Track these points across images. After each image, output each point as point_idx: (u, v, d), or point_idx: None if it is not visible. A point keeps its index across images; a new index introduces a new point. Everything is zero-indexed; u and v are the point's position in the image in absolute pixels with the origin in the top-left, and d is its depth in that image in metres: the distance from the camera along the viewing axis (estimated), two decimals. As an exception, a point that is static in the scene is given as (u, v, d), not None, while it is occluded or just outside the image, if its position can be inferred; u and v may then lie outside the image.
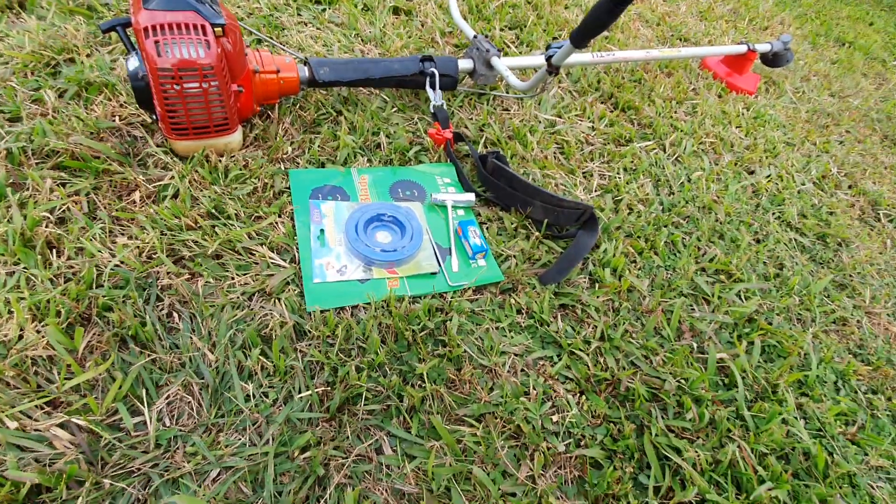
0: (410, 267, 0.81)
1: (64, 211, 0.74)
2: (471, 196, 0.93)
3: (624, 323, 0.85)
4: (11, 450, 0.54)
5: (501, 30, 1.42)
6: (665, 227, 1.04)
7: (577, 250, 0.89)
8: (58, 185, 0.76)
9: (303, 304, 0.73)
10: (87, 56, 0.95)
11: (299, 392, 0.65)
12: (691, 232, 1.05)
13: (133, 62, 0.78)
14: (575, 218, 0.93)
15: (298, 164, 0.91)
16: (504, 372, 0.74)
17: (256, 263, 0.76)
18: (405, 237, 0.83)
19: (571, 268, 0.88)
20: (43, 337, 0.61)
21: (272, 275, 0.74)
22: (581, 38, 0.80)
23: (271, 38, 1.12)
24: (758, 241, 1.09)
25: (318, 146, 0.94)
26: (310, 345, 0.69)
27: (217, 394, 0.63)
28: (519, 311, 0.82)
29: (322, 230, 0.81)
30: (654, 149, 1.23)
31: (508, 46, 1.37)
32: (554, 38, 1.50)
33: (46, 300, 0.64)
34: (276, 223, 0.81)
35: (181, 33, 0.73)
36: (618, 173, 1.12)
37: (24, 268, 0.67)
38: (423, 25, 1.34)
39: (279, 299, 0.72)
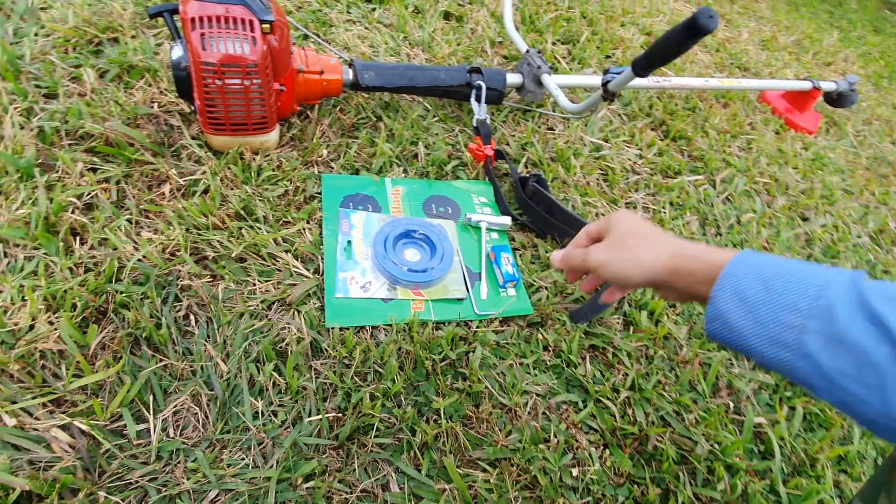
0: (438, 290, 0.77)
1: (92, 197, 0.72)
2: (507, 220, 0.88)
3: (657, 373, 0.79)
4: (6, 449, 0.52)
5: (553, 43, 1.37)
6: (709, 271, 0.97)
7: (614, 289, 0.84)
8: (88, 169, 0.74)
9: (322, 318, 0.70)
10: (132, 37, 0.94)
11: (309, 415, 0.61)
12: (737, 279, 0.98)
13: (177, 51, 0.75)
14: (615, 253, 0.87)
15: (332, 168, 0.88)
16: (524, 414, 0.70)
17: (279, 270, 0.73)
18: (435, 258, 0.79)
19: (606, 307, 0.82)
20: (55, 329, 0.59)
21: (294, 284, 0.71)
22: (645, 67, 0.75)
23: (317, 34, 1.10)
24: (808, 296, 1.01)
25: (355, 152, 0.91)
26: (325, 364, 0.66)
27: (225, 408, 0.60)
28: (545, 348, 0.78)
29: (349, 241, 0.78)
30: (704, 184, 1.16)
31: (559, 62, 1.32)
32: (607, 57, 1.44)
33: (63, 290, 0.62)
34: (304, 230, 0.78)
35: (228, 27, 0.70)
36: (663, 207, 1.06)
37: (45, 253, 0.65)
38: (472, 33, 1.30)
39: (299, 312, 0.69)
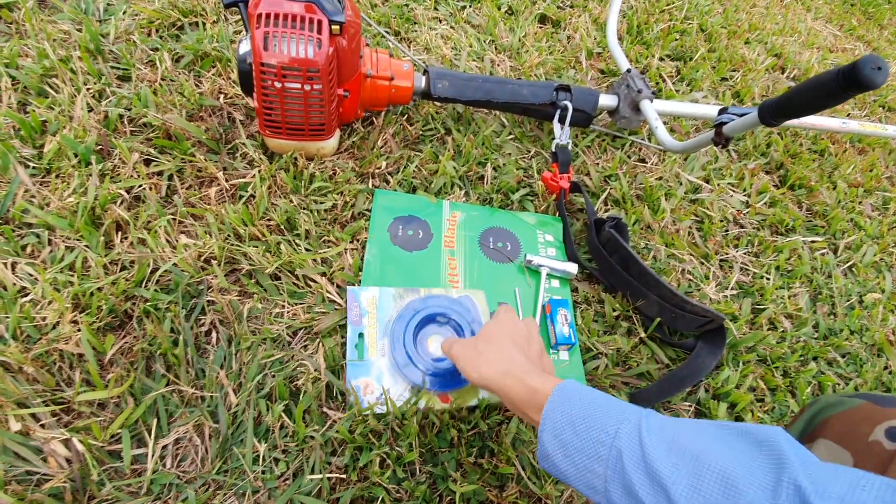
0: (468, 392, 0.64)
1: (142, 190, 0.70)
2: (573, 267, 0.77)
3: (728, 483, 0.66)
4: (6, 455, 0.50)
5: (661, 59, 1.21)
6: (815, 360, 0.80)
7: (690, 371, 0.71)
8: (144, 160, 0.73)
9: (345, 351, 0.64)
10: (213, 23, 0.92)
11: (312, 470, 0.55)
12: (849, 377, 0.80)
13: (245, 45, 0.71)
14: (696, 325, 0.73)
15: (389, 183, 0.81)
16: None
17: (312, 294, 0.67)
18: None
19: (677, 392, 0.70)
20: (78, 331, 0.57)
21: (325, 313, 0.66)
22: (776, 115, 0.60)
23: (396, 32, 1.03)
24: (942, 412, 0.81)
25: (416, 167, 0.83)
26: (338, 410, 0.60)
27: (227, 445, 0.56)
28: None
29: (361, 335, 0.64)
30: (823, 248, 0.97)
31: (665, 81, 1.16)
32: (723, 80, 1.25)
33: (94, 289, 0.60)
34: (346, 251, 0.71)
35: (294, 27, 0.64)
36: (767, 272, 0.89)
37: (86, 246, 0.64)
38: (569, 40, 1.17)
39: (323, 345, 0.63)
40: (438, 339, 0.66)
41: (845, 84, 0.51)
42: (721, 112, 0.70)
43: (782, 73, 1.37)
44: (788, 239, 0.96)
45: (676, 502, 0.33)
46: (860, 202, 1.09)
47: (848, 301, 0.90)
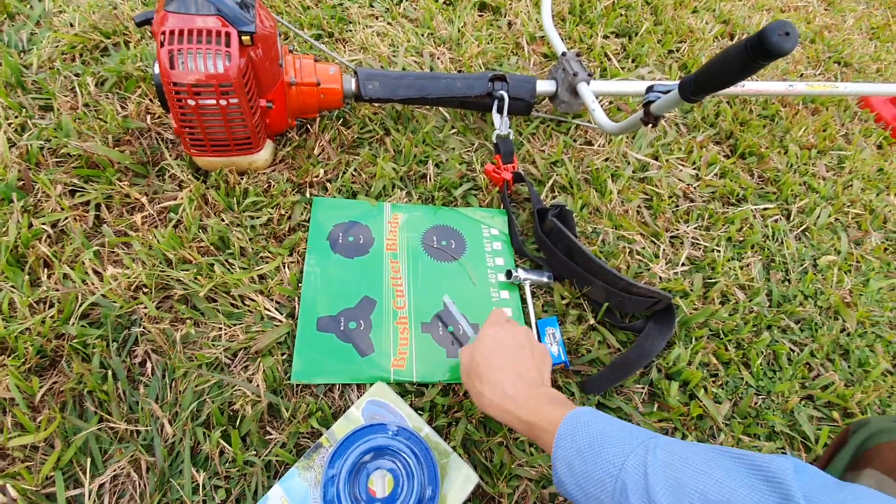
0: None
1: (67, 223, 0.69)
2: (544, 278, 0.76)
3: (683, 462, 0.66)
4: (-66, 512, 0.49)
5: (605, 37, 1.19)
6: (768, 329, 0.80)
7: (638, 354, 0.71)
8: (68, 192, 0.71)
9: (288, 370, 0.63)
10: (138, 41, 0.90)
11: (255, 494, 0.55)
12: (804, 343, 0.80)
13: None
14: (645, 307, 0.73)
15: (328, 191, 0.80)
16: (510, 505, 0.59)
17: (251, 312, 0.66)
18: (413, 484, 0.54)
19: (626, 376, 0.69)
20: (6, 375, 0.56)
21: (263, 332, 0.65)
22: (695, 92, 0.59)
23: (319, 38, 1.00)
24: (897, 369, 0.82)
25: (353, 171, 0.82)
26: (279, 431, 0.59)
27: (164, 477, 0.55)
28: (547, 421, 0.66)
29: None
30: (775, 215, 0.97)
31: (610, 59, 1.14)
32: (670, 52, 1.24)
33: (21, 331, 0.58)
34: (284, 265, 0.70)
35: (201, 42, 0.62)
36: (718, 244, 0.89)
37: (12, 287, 0.62)
38: (510, 26, 1.15)
39: (262, 365, 0.62)
40: (382, 475, 0.55)
41: (754, 54, 0.50)
42: (648, 90, 0.69)
43: (731, 39, 1.36)
44: (740, 209, 0.95)
45: None
46: (814, 164, 1.09)
47: (802, 266, 0.90)
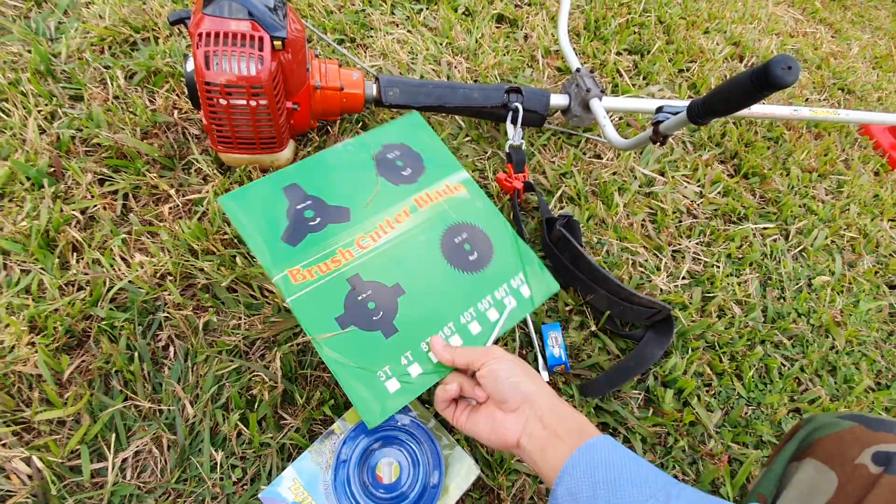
0: None
1: (96, 211, 0.72)
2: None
3: (674, 466, 0.69)
4: (-32, 477, 0.52)
5: (619, 53, 1.23)
6: (762, 344, 0.84)
7: (637, 361, 0.74)
8: (97, 181, 0.74)
9: (303, 360, 0.66)
10: (166, 38, 0.93)
11: (269, 475, 0.58)
12: (795, 359, 0.84)
13: (191, 63, 0.72)
14: (645, 317, 0.76)
15: (345, 191, 0.83)
16: (508, 498, 0.62)
17: (269, 304, 0.69)
18: (418, 472, 0.58)
19: (624, 382, 0.73)
20: (35, 352, 0.59)
21: (280, 321, 0.68)
22: (702, 115, 0.62)
23: (342, 43, 1.04)
24: (879, 387, 0.85)
25: (371, 174, 0.85)
26: (294, 417, 0.62)
27: (184, 455, 0.58)
28: (547, 421, 0.69)
29: None
30: (774, 235, 1.00)
31: (622, 76, 1.18)
32: (680, 71, 1.27)
33: (49, 311, 0.62)
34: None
35: (235, 45, 0.66)
36: (718, 260, 0.92)
37: (42, 269, 0.65)
38: (526, 39, 1.19)
39: (279, 353, 0.65)
40: (389, 462, 0.59)
41: (759, 84, 0.54)
42: (658, 111, 0.72)
43: (740, 61, 1.39)
44: (740, 227, 0.99)
45: None
46: (814, 187, 1.13)
47: (797, 285, 0.93)
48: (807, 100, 1.38)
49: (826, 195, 1.12)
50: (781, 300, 0.91)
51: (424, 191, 0.68)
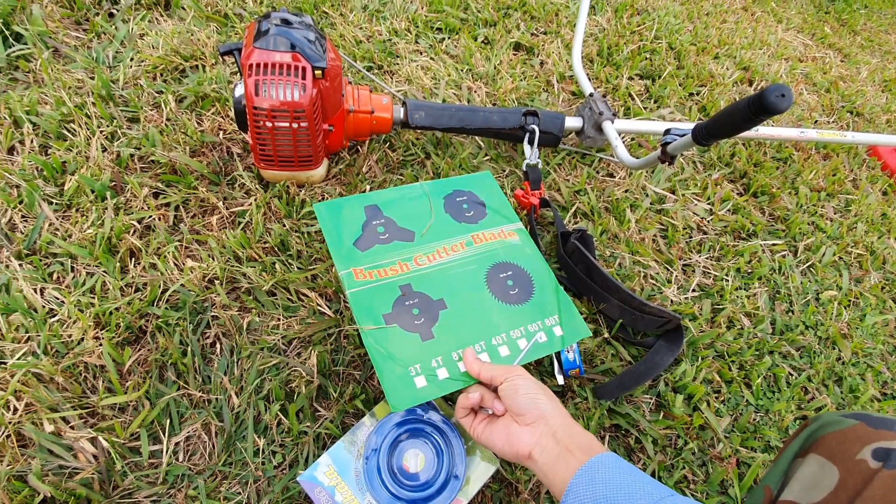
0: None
1: (151, 221, 0.79)
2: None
3: (684, 467, 0.73)
4: (42, 452, 0.58)
5: (630, 78, 1.29)
6: (770, 354, 0.87)
7: (648, 366, 0.78)
8: (153, 194, 0.82)
9: (336, 358, 0.72)
10: (212, 66, 1.02)
11: (306, 460, 0.63)
12: (802, 369, 0.87)
13: (240, 89, 0.80)
14: (656, 326, 0.81)
15: (374, 205, 0.90)
16: (525, 491, 0.67)
17: (305, 307, 0.76)
18: (442, 463, 0.63)
19: (636, 386, 0.77)
20: (100, 345, 0.66)
21: (315, 323, 0.74)
22: (706, 137, 0.68)
23: (380, 66, 1.12)
24: (884, 398, 0.87)
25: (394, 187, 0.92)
26: (328, 409, 0.68)
27: (230, 440, 0.64)
28: (562, 422, 0.73)
29: None
30: (783, 251, 1.04)
31: (633, 99, 1.24)
32: (690, 95, 1.33)
33: (112, 309, 0.69)
34: (332, 267, 0.80)
35: (281, 74, 0.74)
36: (727, 274, 0.96)
37: (104, 272, 0.73)
38: (542, 65, 1.26)
39: (314, 351, 0.71)
40: (415, 453, 0.63)
41: (755, 110, 0.59)
42: (666, 133, 0.78)
43: (750, 85, 1.45)
44: (749, 243, 1.03)
45: None
46: (822, 206, 1.16)
47: (805, 299, 0.97)
48: (816, 122, 1.42)
49: (834, 213, 1.16)
50: (790, 313, 0.95)
51: (482, 231, 0.81)
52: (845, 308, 0.97)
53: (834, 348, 0.91)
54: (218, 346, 0.70)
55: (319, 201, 0.85)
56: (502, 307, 0.73)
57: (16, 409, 0.60)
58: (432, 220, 0.78)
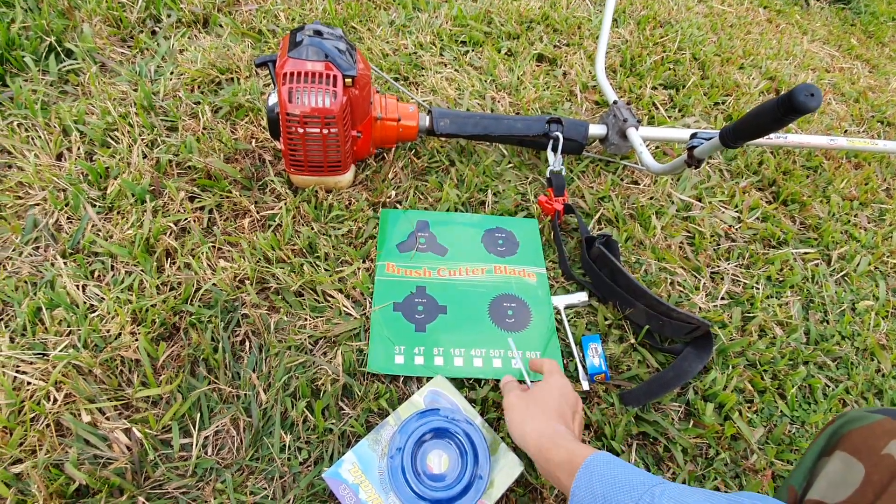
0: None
1: (187, 223, 0.82)
2: (583, 296, 0.84)
3: (715, 478, 0.70)
4: (78, 442, 0.60)
5: (654, 88, 1.30)
6: (805, 364, 0.84)
7: (676, 373, 0.76)
8: (189, 198, 0.85)
9: (361, 359, 0.72)
10: (246, 78, 1.06)
11: (331, 457, 0.64)
12: (839, 380, 0.84)
13: (273, 98, 0.84)
14: (684, 332, 0.79)
15: (397, 209, 0.91)
16: (550, 497, 0.65)
17: (331, 308, 0.77)
18: (465, 464, 0.63)
19: (664, 393, 0.75)
20: (136, 340, 0.68)
21: (341, 323, 0.75)
22: (734, 139, 0.67)
23: (406, 77, 1.15)
24: (937, 413, 0.83)
25: (421, 194, 0.94)
26: (353, 408, 0.68)
27: (258, 436, 0.65)
28: (587, 427, 0.72)
29: None
30: (816, 259, 1.01)
31: (657, 108, 1.24)
32: (716, 104, 1.33)
33: (148, 306, 0.71)
34: (359, 270, 0.81)
35: (314, 82, 0.76)
36: (757, 282, 0.94)
37: (142, 270, 0.76)
38: (564, 76, 1.27)
39: (340, 352, 0.72)
40: (439, 454, 0.64)
41: (784, 110, 0.59)
42: (692, 137, 0.78)
43: (776, 95, 1.43)
44: (780, 251, 1.00)
45: None
46: (855, 215, 1.13)
47: (840, 308, 0.94)
48: (845, 131, 1.40)
49: (868, 223, 1.13)
50: (824, 323, 0.92)
51: (505, 265, 0.88)
52: (883, 318, 0.93)
53: (872, 359, 0.87)
54: (247, 343, 0.72)
55: (348, 206, 0.88)
56: (493, 329, 0.80)
57: (55, 400, 0.63)
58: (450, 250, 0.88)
